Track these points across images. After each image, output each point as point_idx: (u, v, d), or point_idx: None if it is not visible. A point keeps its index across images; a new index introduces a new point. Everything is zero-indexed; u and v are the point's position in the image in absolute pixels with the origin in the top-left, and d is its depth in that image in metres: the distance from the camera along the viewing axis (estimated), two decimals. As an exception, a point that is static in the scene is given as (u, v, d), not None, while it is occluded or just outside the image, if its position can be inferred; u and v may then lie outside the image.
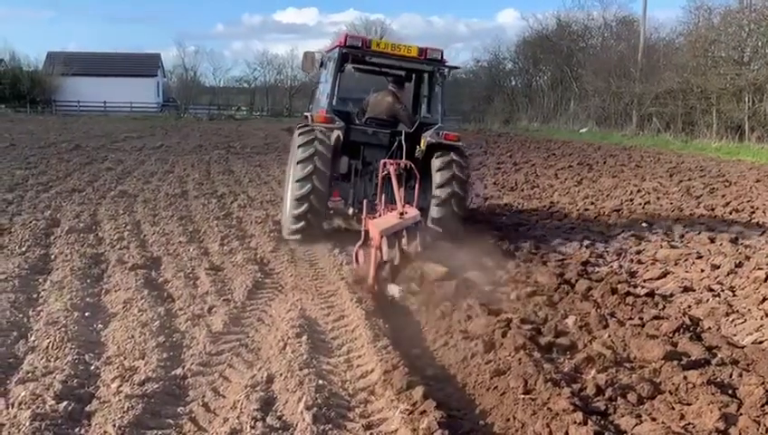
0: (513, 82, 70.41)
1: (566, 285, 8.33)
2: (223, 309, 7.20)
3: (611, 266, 9.74)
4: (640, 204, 15.56)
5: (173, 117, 61.24)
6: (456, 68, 11.87)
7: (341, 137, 10.75)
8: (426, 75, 11.77)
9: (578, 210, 14.48)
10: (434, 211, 10.25)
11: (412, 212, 8.47)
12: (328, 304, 7.56)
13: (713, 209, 14.75)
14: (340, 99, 11.65)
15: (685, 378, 5.58)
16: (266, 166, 22.10)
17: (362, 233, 8.67)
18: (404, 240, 8.02)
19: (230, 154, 26.76)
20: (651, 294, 8.28)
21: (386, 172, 9.50)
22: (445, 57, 10.99)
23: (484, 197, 16.57)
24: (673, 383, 5.56)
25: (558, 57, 61.63)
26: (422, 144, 10.64)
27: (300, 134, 10.58)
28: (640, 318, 7.25)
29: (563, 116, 56.94)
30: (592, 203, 15.50)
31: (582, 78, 56.34)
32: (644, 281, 9.01)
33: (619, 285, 8.35)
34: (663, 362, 5.95)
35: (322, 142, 10.37)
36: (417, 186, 9.62)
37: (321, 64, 11.96)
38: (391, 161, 9.66)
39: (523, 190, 18.04)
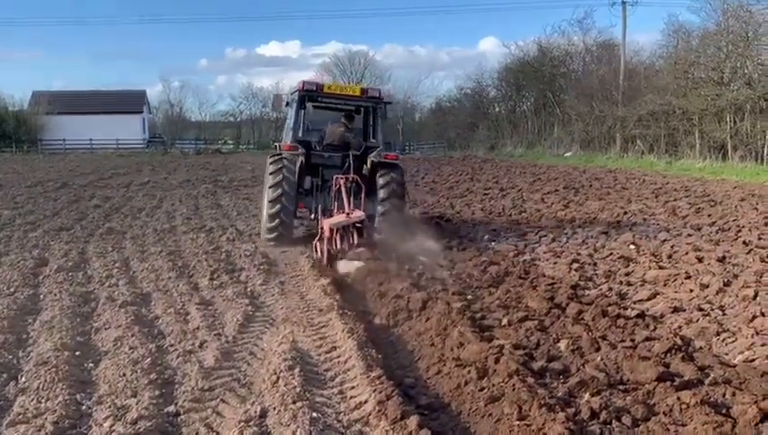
0: (497, 109, 70.81)
1: (557, 309, 8.33)
2: (214, 344, 7.17)
3: (601, 289, 9.75)
4: (627, 226, 15.63)
5: (160, 152, 61.20)
6: (389, 103, 14.61)
7: (304, 161, 13.51)
8: (370, 111, 14.47)
9: (566, 234, 14.52)
10: (379, 211, 12.96)
11: (358, 213, 11.51)
12: (319, 335, 7.53)
13: (699, 229, 14.82)
14: (307, 129, 14.42)
15: (678, 398, 5.58)
16: (254, 199, 22.07)
17: (318, 230, 11.78)
18: (354, 237, 11.33)
19: (218, 188, 26.76)
20: (642, 315, 8.29)
21: (338, 186, 12.47)
22: (383, 95, 14.17)
23: (472, 222, 16.63)
24: (667, 404, 5.56)
25: (540, 83, 62.11)
26: (368, 164, 13.48)
27: (271, 163, 13.31)
28: (632, 340, 7.25)
29: (548, 141, 57.27)
30: (579, 226, 15.56)
31: (565, 103, 56.80)
32: (634, 302, 9.02)
33: (609, 308, 8.37)
34: (656, 383, 5.95)
35: (288, 169, 13.07)
36: (362, 195, 12.52)
37: (287, 104, 14.90)
38: (341, 176, 12.67)
39: (510, 216, 18.10)
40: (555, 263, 11.62)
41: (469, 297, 8.98)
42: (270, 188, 13.07)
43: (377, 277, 10.11)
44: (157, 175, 33.12)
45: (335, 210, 12.24)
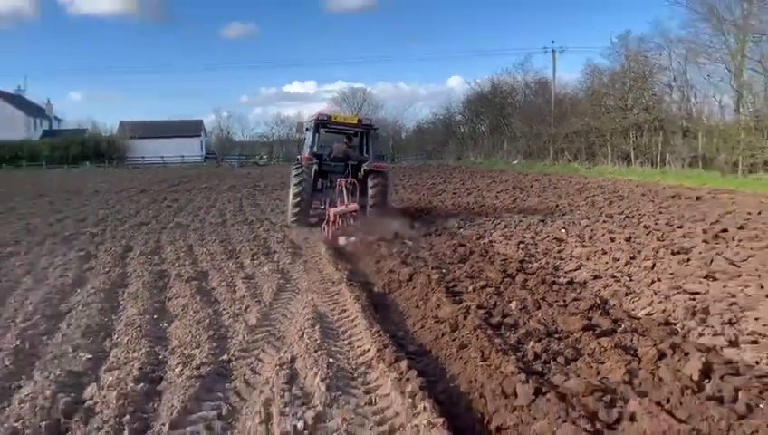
0: (462, 129, 70.43)
1: (509, 279, 8.32)
2: (255, 308, 7.15)
3: (541, 263, 9.74)
4: (559, 215, 15.59)
5: (213, 166, 60.86)
6: (376, 129, 15.27)
7: (317, 169, 14.35)
8: (363, 133, 15.29)
9: (514, 222, 14.49)
10: (368, 204, 13.70)
11: (353, 205, 12.68)
12: (333, 301, 7.51)
13: (611, 217, 14.80)
14: (321, 146, 15.31)
15: (598, 343, 5.59)
16: (283, 199, 21.96)
17: (326, 216, 13.09)
18: (351, 221, 12.47)
19: (256, 191, 26.63)
20: (571, 282, 8.29)
21: (340, 186, 13.43)
22: (373, 123, 15.09)
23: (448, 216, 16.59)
24: (590, 348, 5.57)
25: (494, 110, 61.86)
26: (362, 171, 14.21)
27: (294, 169, 14.27)
28: (564, 300, 7.24)
29: (500, 152, 57.17)
30: (524, 216, 15.53)
31: (512, 124, 56.68)
32: (565, 272, 9.01)
33: (547, 277, 8.36)
34: (582, 332, 5.96)
35: (307, 174, 14.00)
36: (357, 193, 13.53)
37: (307, 129, 15.72)
38: (343, 180, 13.59)
39: (473, 209, 18.06)
40: (507, 244, 11.61)
41: (444, 271, 8.95)
42: (293, 186, 14.05)
43: (374, 256, 10.16)
44: (211, 182, 32.96)
45: (338, 203, 13.19)
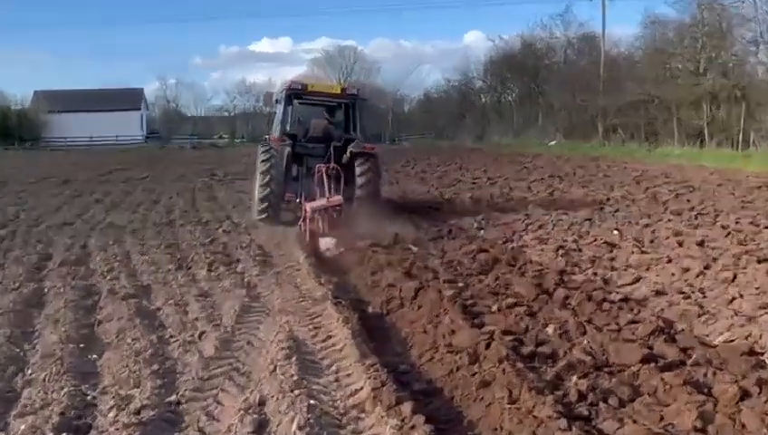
0: (483, 100, 70.79)
1: (544, 295, 8.33)
2: (213, 334, 7.15)
3: (587, 274, 9.76)
4: (610, 212, 15.64)
5: (157, 147, 60.90)
6: (364, 99, 16.15)
7: (290, 151, 14.56)
8: (349, 106, 15.47)
9: (552, 221, 14.52)
10: (357, 195, 14.02)
11: (336, 198, 12.88)
12: (315, 324, 7.51)
13: (679, 214, 14.85)
14: (298, 121, 15.56)
15: (662, 379, 5.59)
16: (249, 191, 21.98)
17: (303, 212, 13.24)
18: (334, 215, 12.76)
19: (213, 181, 26.66)
20: (626, 299, 8.29)
21: (320, 173, 13.50)
22: (360, 93, 15.74)
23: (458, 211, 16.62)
24: (651, 385, 5.57)
25: (524, 75, 62.11)
26: (347, 154, 14.40)
27: (262, 152, 14.41)
28: (617, 323, 7.25)
29: (532, 130, 57.28)
30: (565, 213, 15.55)
31: (548, 93, 56.79)
32: (618, 287, 9.02)
33: (594, 293, 8.36)
34: (640, 365, 5.96)
35: (276, 157, 14.16)
36: (342, 182, 13.57)
37: (276, 101, 16.08)
38: (323, 165, 13.70)
39: (498, 204, 18.09)
40: (542, 249, 11.62)
41: (460, 285, 8.95)
42: (260, 173, 14.18)
43: (367, 266, 10.18)
44: (155, 170, 32.95)
45: (317, 195, 13.38)
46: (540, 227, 13.95)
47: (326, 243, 12.09)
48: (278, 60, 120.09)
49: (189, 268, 10.49)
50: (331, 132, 15.12)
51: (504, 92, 68.19)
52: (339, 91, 15.57)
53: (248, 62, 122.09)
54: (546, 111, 57.32)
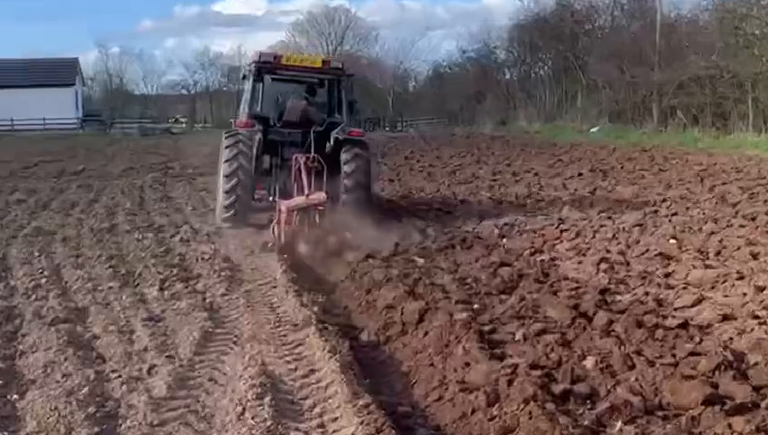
0: (508, 75, 71.14)
1: (582, 319, 8.32)
2: (166, 368, 7.15)
3: (635, 294, 9.75)
4: (666, 216, 15.61)
5: (97, 134, 60.84)
6: (351, 75, 16.42)
7: (261, 138, 14.92)
8: (333, 83, 16.10)
9: (592, 227, 14.52)
10: (343, 190, 14.37)
11: (318, 195, 13.14)
12: (294, 356, 7.52)
13: (754, 219, 14.80)
14: (277, 101, 16.06)
15: (729, 426, 5.59)
16: (213, 189, 21.98)
17: (276, 212, 13.39)
18: (316, 217, 13.00)
19: (168, 177, 26.67)
20: (685, 325, 8.27)
21: (298, 165, 13.85)
22: (346, 67, 16.08)
23: (479, 214, 16.64)
24: (716, 433, 5.58)
25: (560, 43, 62.26)
26: (331, 141, 14.83)
27: (226, 138, 14.82)
28: (673, 355, 7.24)
29: (569, 113, 57.40)
30: (609, 218, 15.56)
31: (590, 67, 56.78)
32: (675, 309, 9.00)
33: (645, 316, 8.36)
34: (703, 407, 5.95)
35: (244, 143, 14.57)
36: (324, 174, 13.95)
37: (244, 77, 16.59)
38: (301, 155, 14.10)
39: (525, 205, 18.10)
40: (580, 262, 11.62)
41: (476, 306, 8.96)
42: (225, 162, 14.58)
43: (360, 283, 10.23)
44: (93, 161, 32.95)
45: (294, 191, 13.83)
46: (577, 234, 13.95)
47: (306, 250, 12.27)
48: (250, 24, 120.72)
49: (137, 286, 10.51)
50: (311, 115, 15.48)
51: (533, 66, 68.48)
52: (320, 65, 15.91)
53: (212, 26, 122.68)
54: (587, 90, 57.42)
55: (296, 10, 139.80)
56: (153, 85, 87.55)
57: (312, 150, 14.45)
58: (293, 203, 13.20)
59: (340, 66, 15.96)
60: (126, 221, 16.34)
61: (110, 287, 10.33)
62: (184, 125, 73.54)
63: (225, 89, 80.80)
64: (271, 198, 14.63)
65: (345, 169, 14.57)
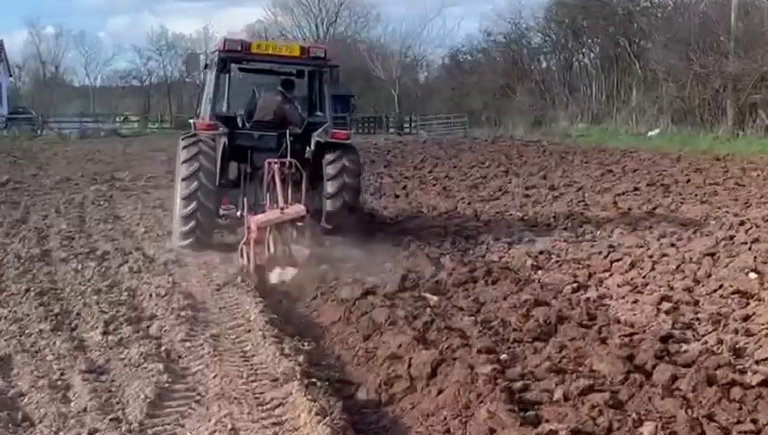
0: (545, 64, 71.21)
1: (638, 374, 8.31)
2: (111, 435, 7.13)
3: (706, 342, 9.74)
4: (745, 243, 15.59)
5: (25, 135, 60.99)
6: (336, 66, 17.03)
7: (227, 143, 15.49)
8: (314, 75, 17.01)
9: (651, 257, 14.50)
10: (327, 206, 15.11)
11: (295, 208, 13.38)
12: (273, 419, 7.50)
13: None
14: (233, 101, 16.98)
15: None
16: (170, 206, 22.00)
17: (245, 230, 13.74)
18: (293, 234, 13.30)
19: (115, 190, 26.66)
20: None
21: (272, 174, 14.22)
22: (328, 55, 16.45)
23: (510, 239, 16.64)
24: None
25: (610, 24, 62.36)
26: (311, 145, 15.59)
27: (185, 146, 15.11)
28: (753, 421, 7.22)
29: (622, 112, 57.43)
30: (672, 245, 15.54)
31: (648, 54, 56.87)
32: (757, 362, 9.00)
33: (719, 371, 8.34)
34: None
35: (206, 154, 14.95)
36: (303, 183, 14.45)
37: (207, 67, 17.34)
38: (276, 161, 14.40)
39: (566, 228, 18.08)
40: (635, 302, 11.60)
41: (503, 357, 8.95)
42: (183, 181, 14.96)
43: (357, 324, 10.21)
44: (21, 171, 32.99)
45: (267, 204, 14.20)
46: (632, 265, 13.94)
47: (280, 274, 12.60)
48: (215, 2, 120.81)
49: (74, 329, 10.47)
50: (288, 114, 16.06)
51: (576, 53, 68.59)
52: (297, 53, 16.40)
53: (170, 1, 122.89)
54: (644, 83, 57.50)
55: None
56: (97, 75, 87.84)
57: (289, 155, 14.86)
58: (265, 218, 13.43)
59: (322, 55, 16.33)
60: (61, 247, 16.31)
61: (41, 331, 10.28)
62: (135, 125, 73.79)
63: (187, 80, 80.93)
64: (239, 214, 15.01)
65: (328, 177, 15.18)
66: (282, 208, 13.39)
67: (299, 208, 13.41)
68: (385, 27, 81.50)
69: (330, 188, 15.12)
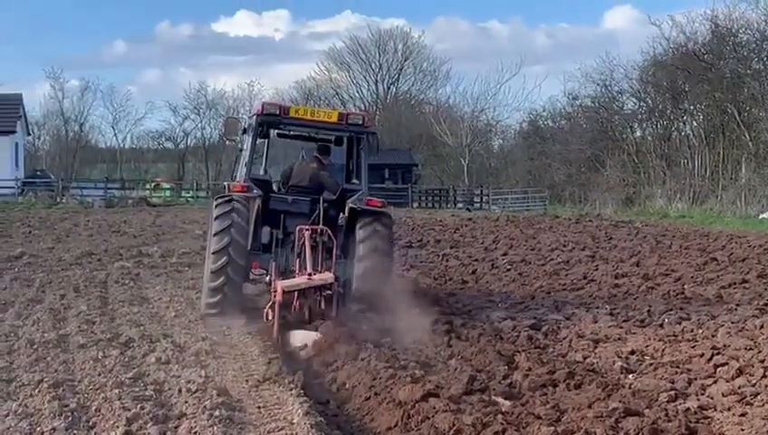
0: (639, 133, 71.15)
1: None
2: None
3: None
4: None
5: (43, 203, 61.76)
6: (373, 133, 18.35)
7: (261, 206, 16.95)
8: (352, 142, 18.38)
9: (762, 362, 14.32)
10: (357, 269, 16.31)
11: (323, 275, 14.80)
12: None
13: None
14: (270, 166, 18.84)
15: None
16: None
17: (271, 294, 15.11)
18: (321, 302, 14.99)
19: (142, 267, 26.85)
20: None
21: (302, 239, 15.76)
22: (368, 122, 18.28)
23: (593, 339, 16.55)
24: None
25: (717, 89, 62.26)
26: (345, 212, 16.96)
27: (217, 205, 16.74)
28: None
29: (729, 191, 57.15)
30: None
31: (761, 125, 56.73)
32: None
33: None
34: None
35: (240, 213, 16.45)
36: (334, 251, 16.20)
37: (245, 131, 18.85)
38: (307, 227, 16.02)
39: (662, 325, 17.93)
40: (743, 415, 11.45)
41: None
42: (215, 236, 16.42)
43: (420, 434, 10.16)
44: (37, 243, 33.35)
45: (297, 271, 15.71)
46: (740, 371, 13.77)
47: (301, 337, 13.52)
48: (264, 50, 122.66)
49: (92, 427, 10.51)
50: (324, 180, 17.75)
51: (676, 121, 68.44)
52: (335, 120, 17.73)
53: (210, 53, 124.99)
54: (755, 158, 57.24)
55: (332, 32, 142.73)
56: (126, 135, 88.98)
57: (321, 222, 16.54)
58: (292, 283, 14.81)
59: (361, 122, 17.82)
60: (80, 331, 16.38)
61: (54, 429, 10.33)
62: (168, 193, 74.43)
63: (227, 143, 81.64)
64: (268, 278, 16.29)
65: (359, 249, 16.46)
66: (309, 274, 14.77)
67: (327, 276, 14.80)
68: (455, 86, 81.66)
69: (360, 250, 16.32)
